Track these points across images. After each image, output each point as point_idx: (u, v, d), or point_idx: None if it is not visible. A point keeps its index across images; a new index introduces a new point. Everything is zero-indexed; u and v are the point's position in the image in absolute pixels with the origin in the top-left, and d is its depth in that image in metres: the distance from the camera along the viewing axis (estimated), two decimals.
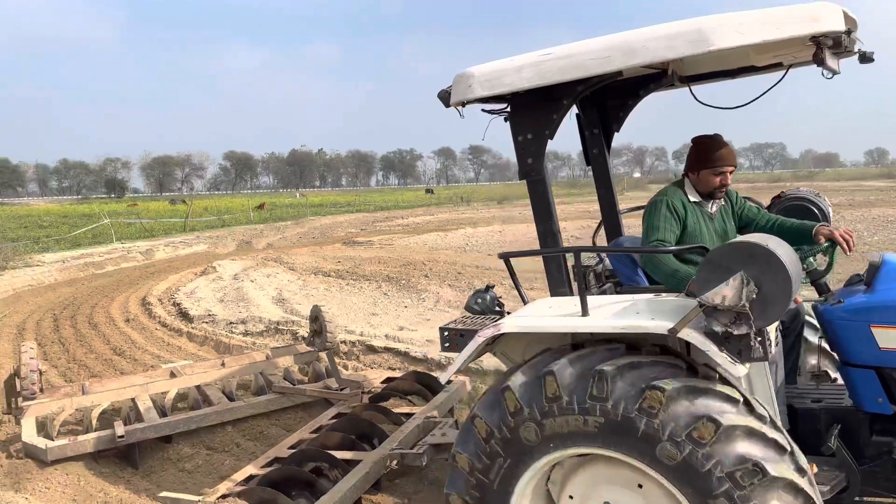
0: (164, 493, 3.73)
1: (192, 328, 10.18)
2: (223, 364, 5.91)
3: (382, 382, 5.54)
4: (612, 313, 2.67)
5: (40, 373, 5.08)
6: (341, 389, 5.37)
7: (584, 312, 2.65)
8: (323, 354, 6.01)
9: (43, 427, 5.00)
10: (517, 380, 2.54)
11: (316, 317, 6.08)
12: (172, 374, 5.71)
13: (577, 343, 2.74)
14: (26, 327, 10.91)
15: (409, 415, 4.66)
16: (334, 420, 4.74)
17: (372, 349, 8.22)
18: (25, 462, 4.99)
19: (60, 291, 14.80)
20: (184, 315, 11.19)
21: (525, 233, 23.75)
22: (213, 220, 36.75)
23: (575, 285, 3.18)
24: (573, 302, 2.84)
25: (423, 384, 5.28)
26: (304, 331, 9.45)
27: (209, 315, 10.88)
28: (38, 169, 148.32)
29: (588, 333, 2.71)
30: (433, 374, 5.82)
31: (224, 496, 3.60)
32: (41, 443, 4.65)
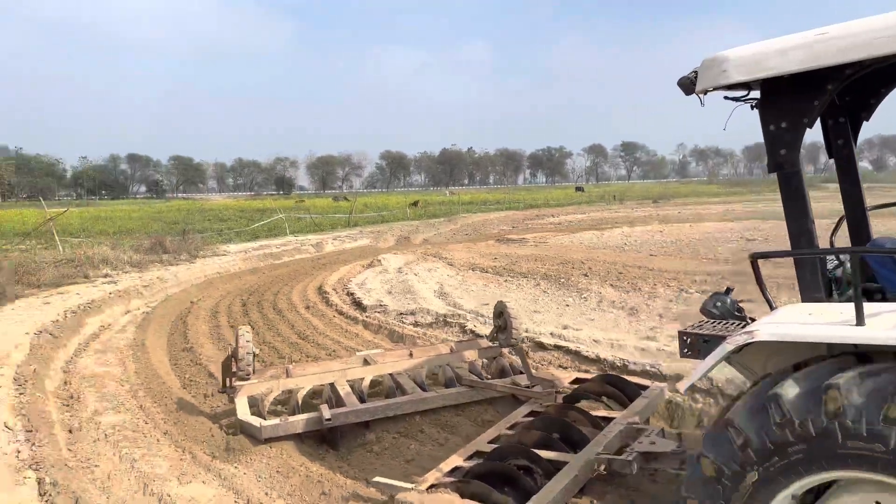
0: (377, 479, 3.86)
1: (367, 317, 10.66)
2: (411, 355, 6.07)
3: (571, 383, 5.41)
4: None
5: (254, 356, 5.48)
6: (531, 387, 5.31)
7: (860, 321, 2.36)
8: (506, 350, 5.99)
9: (253, 405, 5.38)
10: (789, 390, 2.30)
11: (500, 313, 6.07)
12: (366, 362, 5.95)
13: (836, 355, 2.45)
14: (219, 310, 11.95)
15: (606, 418, 4.49)
16: (529, 418, 4.69)
17: (541, 346, 8.12)
18: (234, 436, 5.44)
19: (245, 279, 16.10)
20: (357, 304, 11.75)
21: (689, 234, 22.54)
22: (373, 217, 38.48)
23: (824, 290, 2.87)
24: (837, 309, 2.54)
25: (615, 387, 5.08)
26: (470, 325, 9.55)
27: (380, 305, 11.32)
28: (217, 167, 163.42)
29: (852, 346, 2.42)
30: (624, 377, 5.59)
31: (433, 486, 3.65)
32: (256, 421, 5.01)
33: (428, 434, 5.60)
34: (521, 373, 5.79)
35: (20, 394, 6.61)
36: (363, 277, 14.91)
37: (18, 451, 5.25)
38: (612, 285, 12.43)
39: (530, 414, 4.85)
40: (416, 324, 10.09)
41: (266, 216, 35.07)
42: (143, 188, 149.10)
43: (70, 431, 5.97)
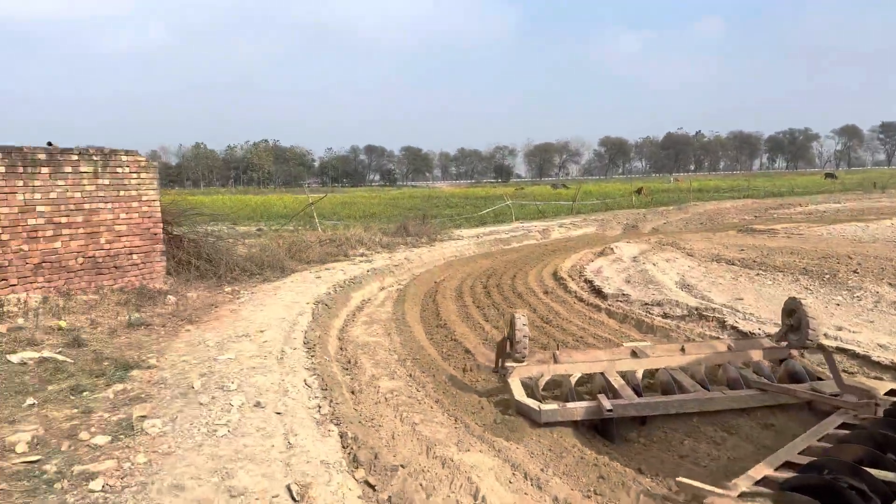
0: (681, 479, 3.69)
1: (609, 305, 10.43)
2: (683, 349, 5.76)
3: (887, 394, 4.73)
4: None
5: (529, 340, 5.58)
6: (839, 396, 4.73)
7: None
8: (795, 352, 5.42)
9: (527, 387, 5.47)
10: None
11: (793, 310, 5.50)
12: (634, 354, 5.76)
13: None
14: (463, 291, 12.48)
15: None
16: (842, 430, 4.17)
17: (820, 348, 7.29)
18: (505, 414, 5.59)
19: (480, 263, 16.68)
20: (597, 292, 11.56)
21: None
22: (595, 204, 37.77)
23: None
24: None
25: None
26: (730, 320, 8.91)
27: (622, 294, 11.02)
28: (442, 157, 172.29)
29: None
30: None
31: (744, 494, 3.39)
32: (534, 404, 5.08)
33: (703, 431, 5.29)
34: (820, 379, 5.19)
35: (311, 356, 7.46)
36: (597, 265, 14.65)
37: (319, 407, 5.90)
38: (890, 284, 10.88)
39: (842, 426, 4.31)
40: (665, 315, 9.67)
41: (489, 203, 36.05)
42: (377, 176, 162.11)
43: (353, 393, 6.60)
